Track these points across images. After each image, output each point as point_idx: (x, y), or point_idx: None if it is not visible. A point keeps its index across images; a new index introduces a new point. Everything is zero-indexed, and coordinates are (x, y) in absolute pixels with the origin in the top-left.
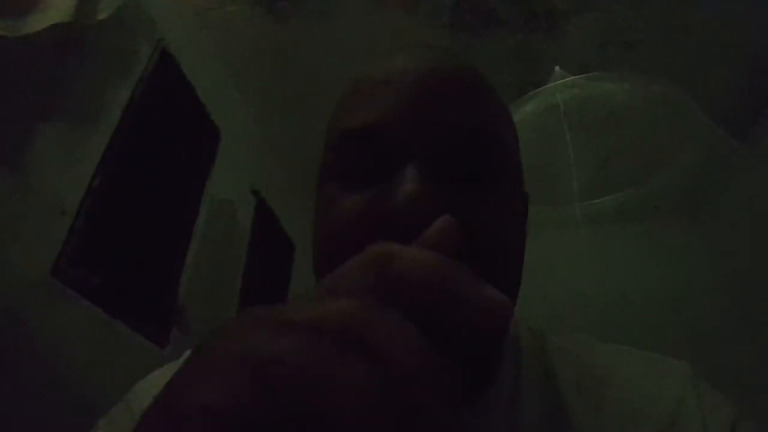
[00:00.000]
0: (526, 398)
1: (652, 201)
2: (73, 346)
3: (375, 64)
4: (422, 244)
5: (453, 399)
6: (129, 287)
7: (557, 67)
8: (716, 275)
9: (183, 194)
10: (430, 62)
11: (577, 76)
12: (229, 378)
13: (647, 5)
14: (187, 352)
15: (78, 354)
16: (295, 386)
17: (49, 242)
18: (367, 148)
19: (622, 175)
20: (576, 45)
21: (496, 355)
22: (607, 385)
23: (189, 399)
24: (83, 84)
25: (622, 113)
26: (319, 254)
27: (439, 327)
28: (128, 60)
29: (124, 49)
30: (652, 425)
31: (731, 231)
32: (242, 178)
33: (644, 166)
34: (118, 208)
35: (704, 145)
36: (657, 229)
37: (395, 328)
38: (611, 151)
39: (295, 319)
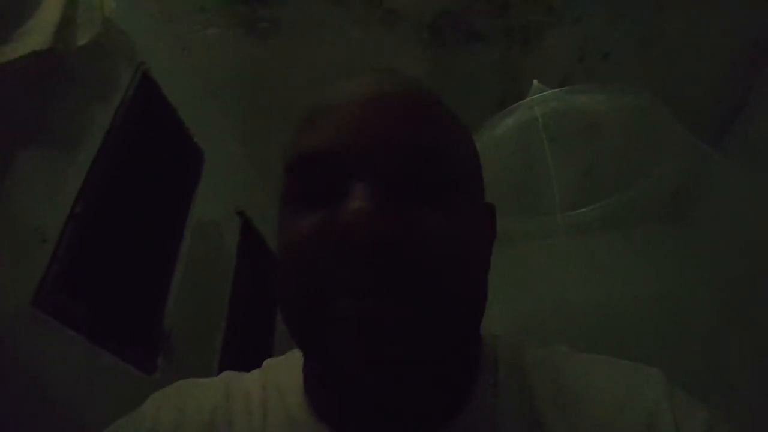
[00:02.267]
0: (503, 414)
1: (634, 209)
2: (56, 377)
3: (327, 91)
4: None
5: None
6: (113, 315)
7: (535, 81)
8: (699, 280)
9: (167, 218)
10: (379, 85)
11: (555, 90)
12: None
13: (622, 17)
14: None
15: (62, 385)
16: None
17: (30, 271)
18: (318, 172)
19: (603, 184)
20: (554, 58)
21: (471, 372)
22: (583, 398)
23: None
24: (63, 110)
25: (600, 124)
26: (281, 277)
27: None
28: (109, 84)
29: (105, 74)
30: None
31: (710, 236)
32: (227, 200)
33: (624, 176)
34: (100, 234)
35: (681, 153)
36: (639, 236)
37: None
38: (592, 161)
39: None
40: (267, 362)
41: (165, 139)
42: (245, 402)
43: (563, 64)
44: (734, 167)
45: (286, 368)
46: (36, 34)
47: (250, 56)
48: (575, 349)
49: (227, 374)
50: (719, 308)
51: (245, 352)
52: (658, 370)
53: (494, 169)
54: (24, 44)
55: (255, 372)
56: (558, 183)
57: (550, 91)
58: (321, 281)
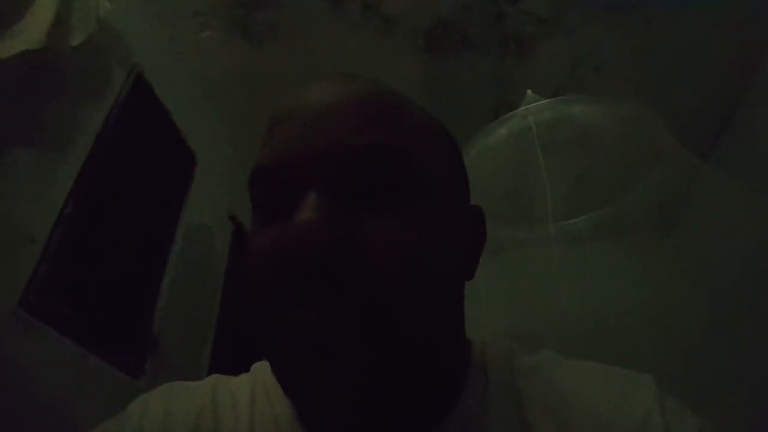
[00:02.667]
0: (493, 419)
1: (625, 219)
2: (42, 379)
3: (285, 101)
4: None
5: None
6: (101, 318)
7: (529, 91)
8: (689, 290)
9: (158, 220)
10: (334, 91)
11: (548, 100)
12: None
13: (614, 29)
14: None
15: (48, 388)
16: None
17: (17, 272)
18: (273, 184)
19: (595, 194)
20: (547, 69)
21: (458, 377)
22: (574, 404)
23: None
24: (55, 110)
25: (593, 134)
26: (243, 288)
27: None
28: (102, 86)
29: (98, 75)
30: None
31: (699, 247)
32: (219, 204)
33: (616, 186)
34: (90, 235)
35: (672, 163)
36: (631, 246)
37: None
38: (584, 171)
39: None
40: (256, 366)
41: (157, 141)
42: (232, 405)
43: (556, 75)
44: (723, 179)
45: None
46: (29, 33)
47: (245, 60)
48: (565, 356)
49: (215, 377)
50: (707, 318)
51: (235, 358)
52: (648, 376)
53: (488, 177)
54: (17, 43)
55: (244, 376)
56: (550, 192)
57: (544, 101)
58: (275, 293)
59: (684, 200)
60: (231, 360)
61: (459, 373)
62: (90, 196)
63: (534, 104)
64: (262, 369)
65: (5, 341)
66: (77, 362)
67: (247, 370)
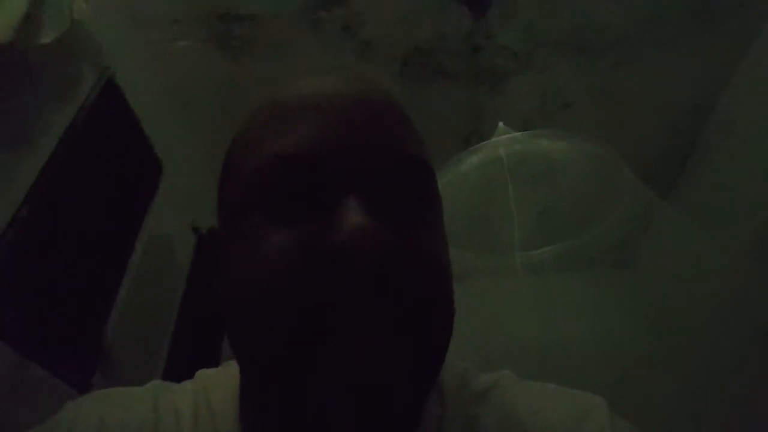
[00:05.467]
0: None
1: (586, 253)
2: None
3: (297, 86)
4: None
5: None
6: (49, 326)
7: (500, 123)
8: (643, 325)
9: (118, 228)
10: (360, 86)
11: (519, 133)
12: None
13: (582, 71)
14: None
15: None
16: None
17: None
18: (303, 175)
19: (558, 227)
20: (517, 102)
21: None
22: (530, 426)
23: None
24: (18, 108)
25: (559, 169)
26: (236, 305)
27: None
28: (71, 87)
29: (67, 76)
30: None
31: (654, 285)
32: (183, 215)
33: (579, 220)
34: (45, 239)
35: (633, 200)
36: (589, 280)
37: None
38: (548, 204)
39: None
40: (200, 373)
41: (124, 148)
42: (174, 418)
43: (525, 109)
44: (681, 219)
45: (220, 383)
46: None
47: (220, 73)
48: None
49: (155, 384)
50: (654, 356)
51: (189, 374)
52: (601, 399)
53: (457, 205)
54: None
55: (186, 384)
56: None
57: (515, 134)
58: (303, 310)
59: (643, 238)
60: (184, 376)
61: None
62: (49, 198)
63: (506, 136)
64: (206, 378)
65: None
66: (18, 371)
67: None
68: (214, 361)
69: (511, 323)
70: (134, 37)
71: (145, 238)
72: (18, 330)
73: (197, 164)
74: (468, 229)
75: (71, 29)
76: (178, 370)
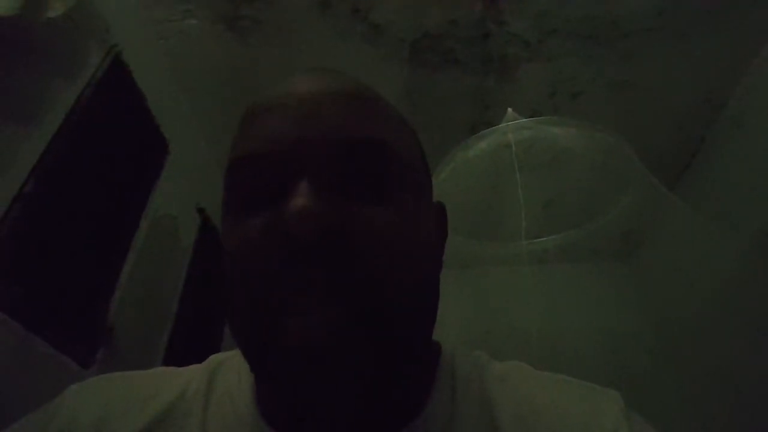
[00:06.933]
0: (461, 425)
1: (591, 244)
2: None
3: (276, 88)
4: None
5: None
6: (54, 302)
7: (510, 109)
8: (645, 317)
9: (123, 206)
10: (315, 82)
11: (528, 119)
12: None
13: (593, 61)
14: None
15: None
16: None
17: None
18: (258, 173)
19: (563, 217)
20: (527, 91)
21: (426, 379)
22: (545, 416)
23: None
24: (25, 82)
25: (566, 157)
26: (229, 286)
27: None
28: (77, 63)
29: (74, 52)
30: None
31: (657, 277)
32: (188, 195)
33: (584, 210)
34: (50, 216)
35: (640, 192)
36: (593, 271)
37: None
38: (555, 193)
39: None
40: (213, 358)
41: (130, 126)
42: (185, 399)
43: (534, 98)
44: (688, 211)
45: (234, 367)
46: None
47: (227, 53)
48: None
49: (161, 369)
50: (660, 343)
51: (190, 354)
52: (616, 393)
53: (464, 191)
54: None
55: (196, 368)
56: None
57: (524, 120)
58: (267, 288)
59: (648, 230)
60: (186, 356)
61: (428, 374)
62: (54, 174)
63: (515, 121)
64: (220, 363)
65: None
66: (24, 346)
67: None
68: (216, 339)
69: (515, 312)
70: (142, 15)
71: (150, 218)
72: (25, 306)
73: (203, 146)
74: (473, 217)
75: (79, 4)
76: (181, 348)
